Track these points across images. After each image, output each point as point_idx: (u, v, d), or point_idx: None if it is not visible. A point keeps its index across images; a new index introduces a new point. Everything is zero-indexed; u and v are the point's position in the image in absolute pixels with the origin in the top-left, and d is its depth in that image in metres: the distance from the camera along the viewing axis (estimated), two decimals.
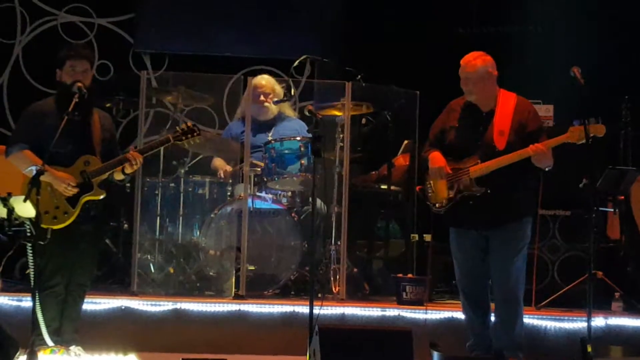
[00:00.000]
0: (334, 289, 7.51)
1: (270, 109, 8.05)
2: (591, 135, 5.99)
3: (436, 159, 6.34)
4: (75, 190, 6.07)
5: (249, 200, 7.52)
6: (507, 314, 6.28)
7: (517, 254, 6.24)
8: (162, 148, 6.75)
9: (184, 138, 6.47)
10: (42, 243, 5.78)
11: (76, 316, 6.29)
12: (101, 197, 6.17)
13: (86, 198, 6.12)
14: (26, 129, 6.23)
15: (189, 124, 6.55)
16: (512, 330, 6.27)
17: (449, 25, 9.87)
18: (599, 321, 6.98)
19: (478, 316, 6.39)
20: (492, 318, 6.42)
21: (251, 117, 7.85)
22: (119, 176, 6.31)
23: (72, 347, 6.10)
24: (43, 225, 5.84)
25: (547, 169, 6.20)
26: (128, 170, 6.24)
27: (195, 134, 6.48)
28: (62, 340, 6.12)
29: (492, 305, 6.42)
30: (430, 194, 6.43)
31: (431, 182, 6.41)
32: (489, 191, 6.16)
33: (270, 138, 7.81)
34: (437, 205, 6.39)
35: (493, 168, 6.13)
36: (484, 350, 6.34)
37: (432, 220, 6.48)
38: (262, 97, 7.98)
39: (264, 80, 8.08)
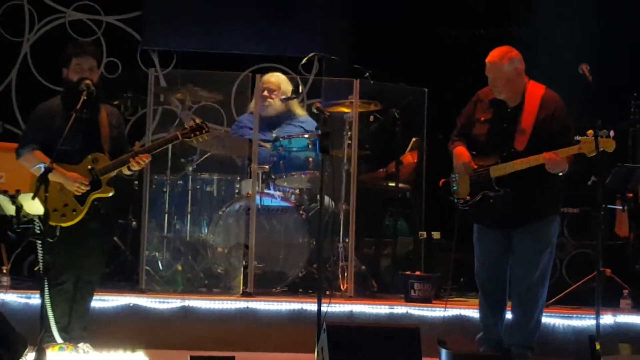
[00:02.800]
0: (342, 286, 7.52)
1: (274, 105, 8.05)
2: (600, 149, 5.96)
3: (461, 154, 6.29)
4: (87, 190, 6.08)
5: (257, 198, 7.53)
6: (523, 312, 6.26)
7: (539, 254, 6.19)
8: (170, 145, 6.73)
9: (192, 135, 6.42)
10: (50, 240, 5.80)
11: (85, 313, 6.29)
12: (110, 194, 6.17)
13: (95, 196, 6.11)
14: (35, 129, 6.21)
15: (198, 120, 6.50)
16: (525, 329, 6.24)
17: (454, 24, 9.85)
18: (607, 318, 6.97)
19: (493, 312, 6.37)
20: (509, 315, 6.41)
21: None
22: (126, 171, 6.27)
23: (81, 345, 6.10)
24: (52, 223, 5.85)
25: (560, 174, 6.13)
26: (134, 168, 6.22)
27: (204, 131, 6.43)
28: (71, 337, 6.12)
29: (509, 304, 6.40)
30: (453, 189, 6.40)
31: (454, 177, 6.38)
32: (508, 190, 6.14)
33: (274, 135, 7.80)
34: (460, 201, 6.37)
35: (510, 170, 6.10)
36: (492, 345, 6.33)
37: (457, 216, 6.42)
38: (265, 93, 7.98)
39: (273, 77, 8.10)
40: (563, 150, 6.01)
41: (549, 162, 6.00)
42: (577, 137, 6.16)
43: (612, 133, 6.02)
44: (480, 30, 9.77)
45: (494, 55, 6.23)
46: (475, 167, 6.25)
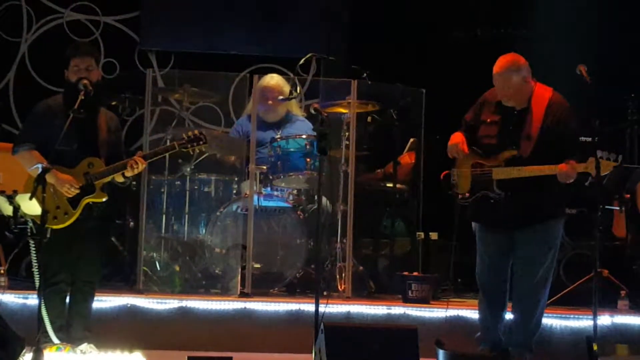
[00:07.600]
0: (339, 286, 7.51)
1: (278, 110, 8.05)
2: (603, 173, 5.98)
3: (454, 136, 6.30)
4: (77, 192, 6.07)
5: (255, 198, 7.53)
6: (523, 314, 6.27)
7: (541, 256, 6.20)
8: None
9: (189, 146, 6.43)
10: (44, 240, 5.77)
11: (86, 314, 6.30)
12: (103, 200, 6.15)
13: (87, 200, 6.11)
14: (34, 128, 6.23)
15: (196, 132, 6.48)
16: (525, 330, 6.26)
17: (452, 26, 9.85)
18: (604, 319, 6.97)
19: (493, 312, 6.37)
20: (508, 316, 6.41)
21: (259, 118, 7.89)
22: (119, 178, 6.24)
23: (84, 346, 6.08)
24: None
25: (568, 182, 6.09)
26: (128, 174, 6.20)
27: (201, 142, 6.43)
28: (73, 338, 6.12)
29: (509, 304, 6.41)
30: (454, 182, 6.40)
31: (456, 171, 6.38)
32: (509, 194, 6.13)
33: (278, 136, 7.80)
34: (460, 196, 6.36)
35: (514, 175, 6.08)
36: (491, 345, 6.33)
37: (457, 215, 6.41)
38: (270, 102, 7.98)
39: (273, 80, 8.06)
40: (576, 165, 5.99)
41: (561, 174, 5.99)
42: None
43: (620, 157, 6.02)
44: (479, 32, 9.76)
45: (501, 65, 6.19)
46: (467, 151, 6.24)
